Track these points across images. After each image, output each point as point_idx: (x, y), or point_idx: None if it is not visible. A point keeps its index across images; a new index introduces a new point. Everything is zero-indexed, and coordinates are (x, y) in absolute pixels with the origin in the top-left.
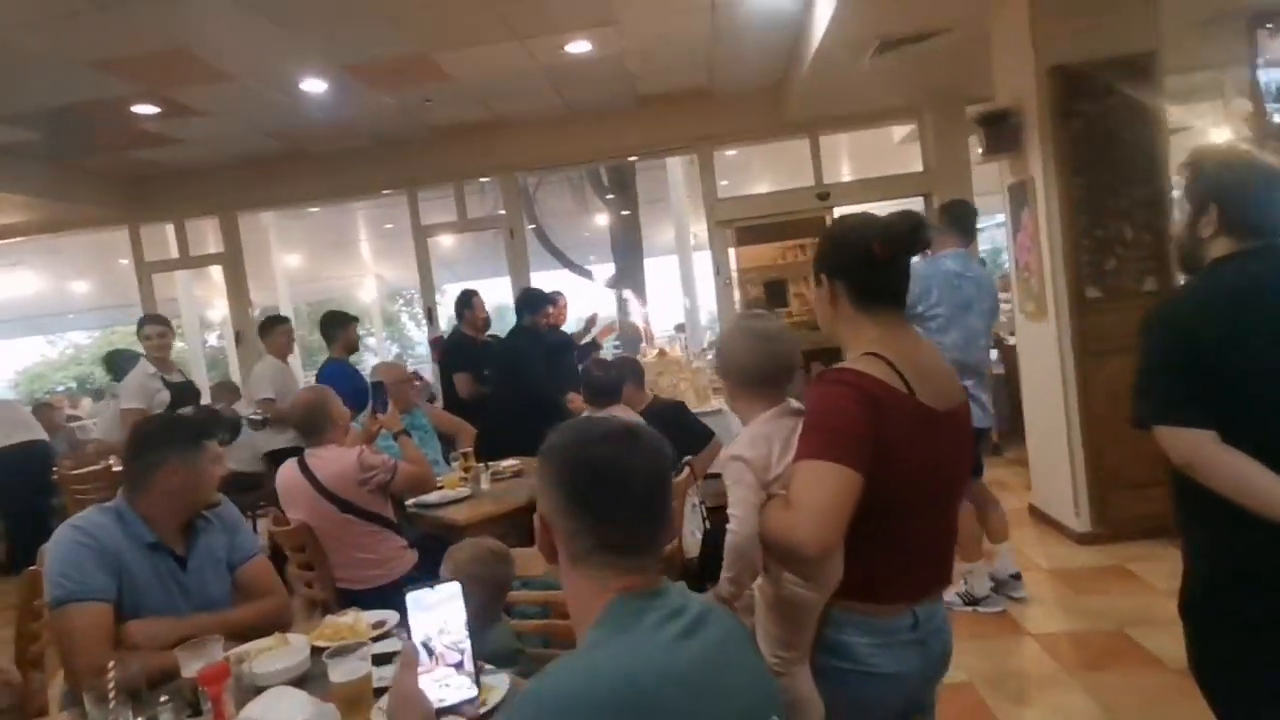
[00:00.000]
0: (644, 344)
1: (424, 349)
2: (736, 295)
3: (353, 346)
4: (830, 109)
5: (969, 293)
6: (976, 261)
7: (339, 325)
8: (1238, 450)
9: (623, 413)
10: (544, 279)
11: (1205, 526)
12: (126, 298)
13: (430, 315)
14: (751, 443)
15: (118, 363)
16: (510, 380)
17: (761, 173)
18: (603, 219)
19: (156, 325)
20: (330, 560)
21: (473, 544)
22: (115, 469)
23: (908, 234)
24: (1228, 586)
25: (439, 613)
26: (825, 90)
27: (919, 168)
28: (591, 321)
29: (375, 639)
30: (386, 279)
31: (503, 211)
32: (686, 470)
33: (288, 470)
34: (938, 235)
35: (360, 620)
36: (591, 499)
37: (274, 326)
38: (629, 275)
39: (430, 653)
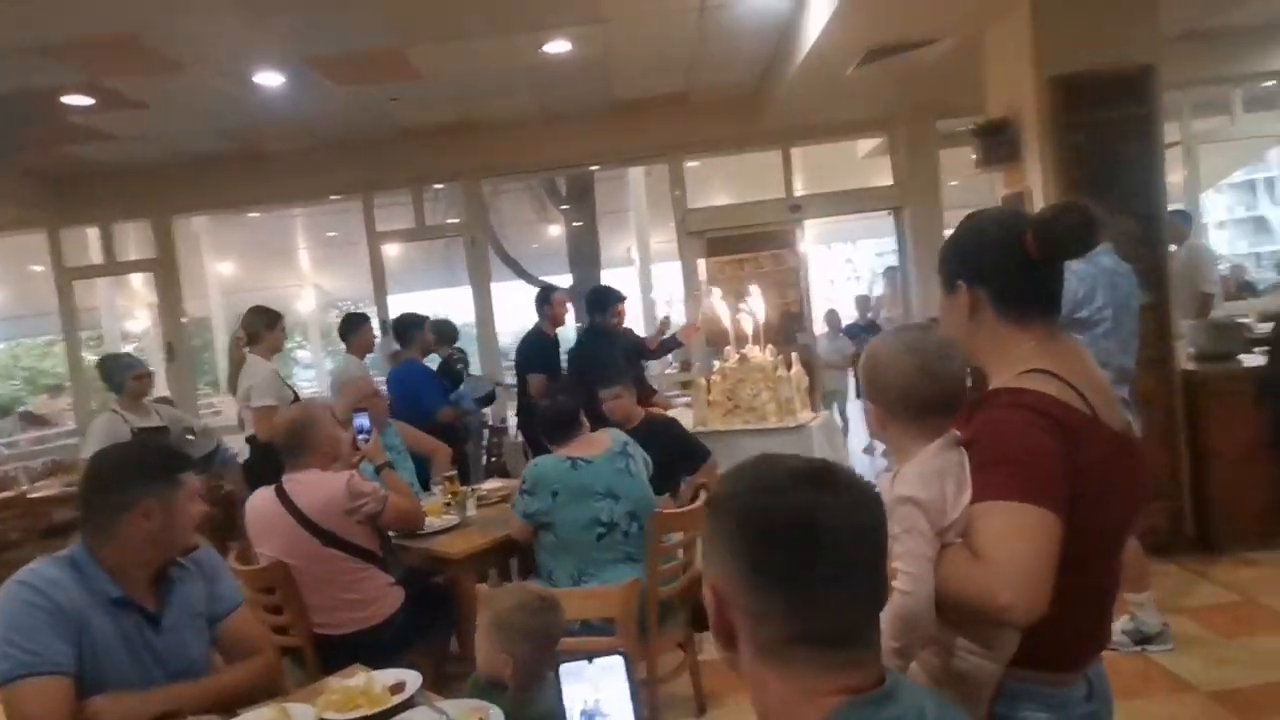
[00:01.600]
0: (729, 346)
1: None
2: (707, 304)
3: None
4: (805, 119)
5: (1126, 290)
6: None
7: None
8: None
9: (586, 446)
10: (498, 290)
11: None
12: (39, 306)
13: (385, 328)
14: (923, 481)
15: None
16: (582, 383)
17: (725, 185)
18: (557, 229)
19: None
20: (307, 602)
21: (518, 589)
22: (35, 495)
23: (1075, 231)
24: None
25: (596, 686)
26: (804, 100)
27: (885, 181)
28: (665, 324)
29: (396, 709)
30: (326, 289)
31: (454, 220)
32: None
33: (262, 498)
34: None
35: (374, 683)
36: (788, 570)
37: (360, 325)
38: (586, 287)
39: None
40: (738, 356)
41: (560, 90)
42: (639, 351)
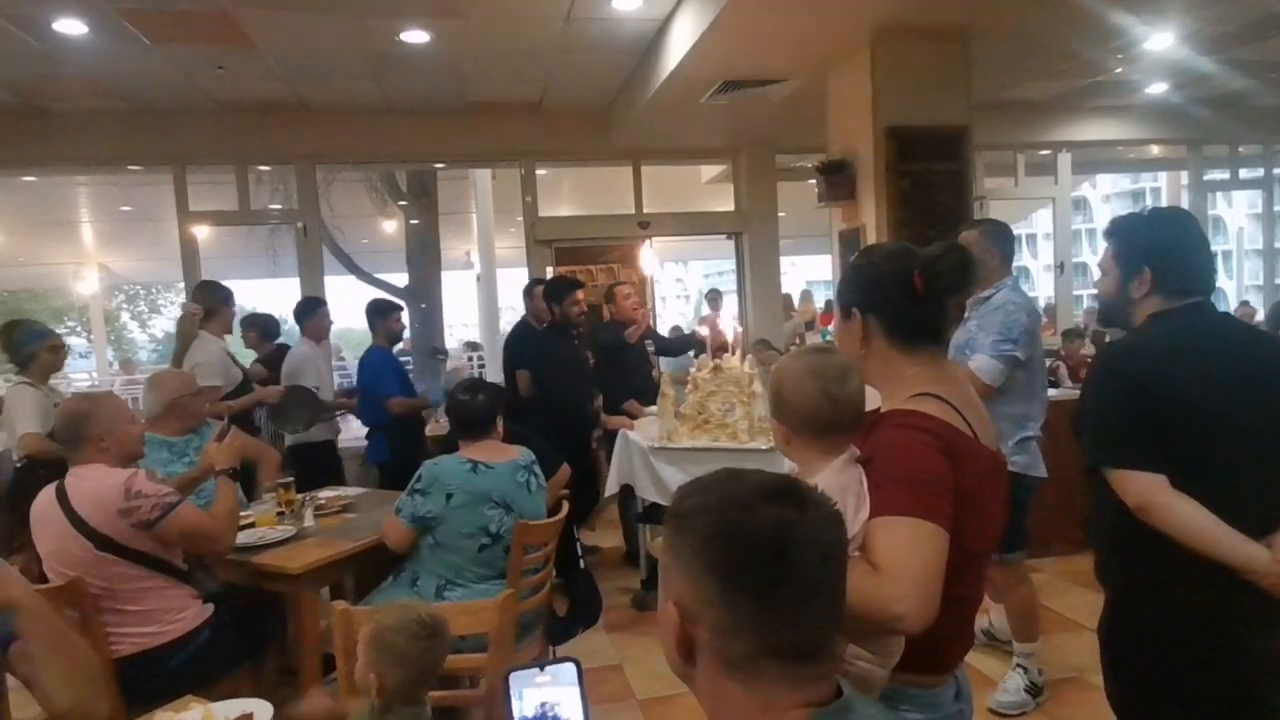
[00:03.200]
0: (704, 354)
1: (149, 355)
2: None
3: (395, 337)
4: (655, 141)
5: (1036, 327)
6: None
7: (380, 314)
8: (1186, 496)
9: (492, 452)
10: (331, 285)
11: (1138, 560)
12: None
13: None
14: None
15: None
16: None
17: (572, 196)
18: (394, 225)
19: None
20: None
21: (404, 609)
22: None
23: (954, 271)
24: (1154, 617)
25: (549, 691)
26: (657, 122)
27: (726, 207)
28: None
29: None
30: (113, 270)
31: (277, 206)
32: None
33: (43, 496)
34: (989, 265)
35: (214, 716)
36: (759, 585)
37: (315, 309)
38: (425, 287)
39: None
40: (712, 366)
41: (411, 82)
42: (616, 348)
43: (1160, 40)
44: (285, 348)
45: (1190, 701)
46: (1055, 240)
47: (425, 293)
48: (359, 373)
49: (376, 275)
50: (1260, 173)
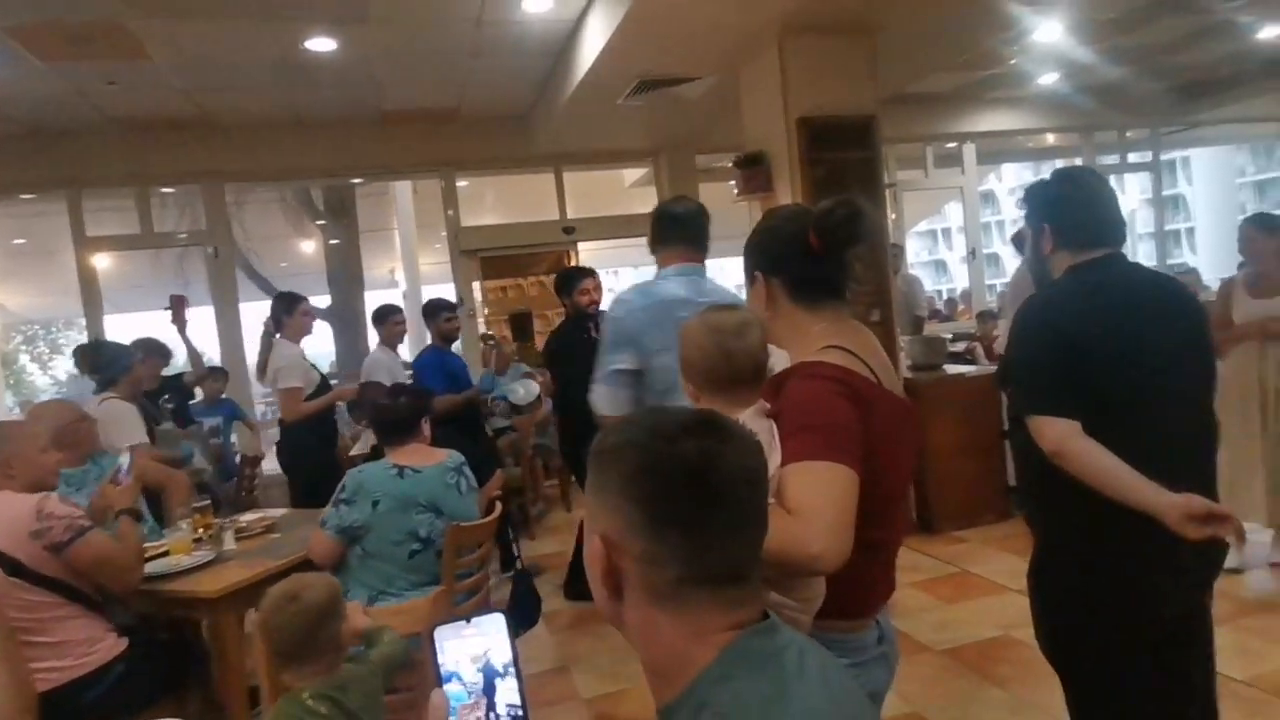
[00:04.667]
0: None
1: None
2: (481, 327)
3: (451, 336)
4: (576, 145)
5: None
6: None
7: (431, 314)
8: (1097, 442)
9: (419, 455)
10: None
11: (1061, 506)
12: None
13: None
14: None
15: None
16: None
17: (496, 206)
18: (312, 246)
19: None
20: None
21: (280, 584)
22: None
23: (843, 224)
24: (1077, 560)
25: (479, 641)
26: (576, 125)
27: (650, 209)
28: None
29: None
30: (9, 309)
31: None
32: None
33: None
34: (662, 249)
35: None
36: (686, 513)
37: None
38: (347, 308)
39: (471, 693)
40: None
41: (322, 93)
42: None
43: (1049, 30)
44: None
45: (1112, 639)
46: (966, 229)
47: (348, 314)
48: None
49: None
50: (1149, 156)
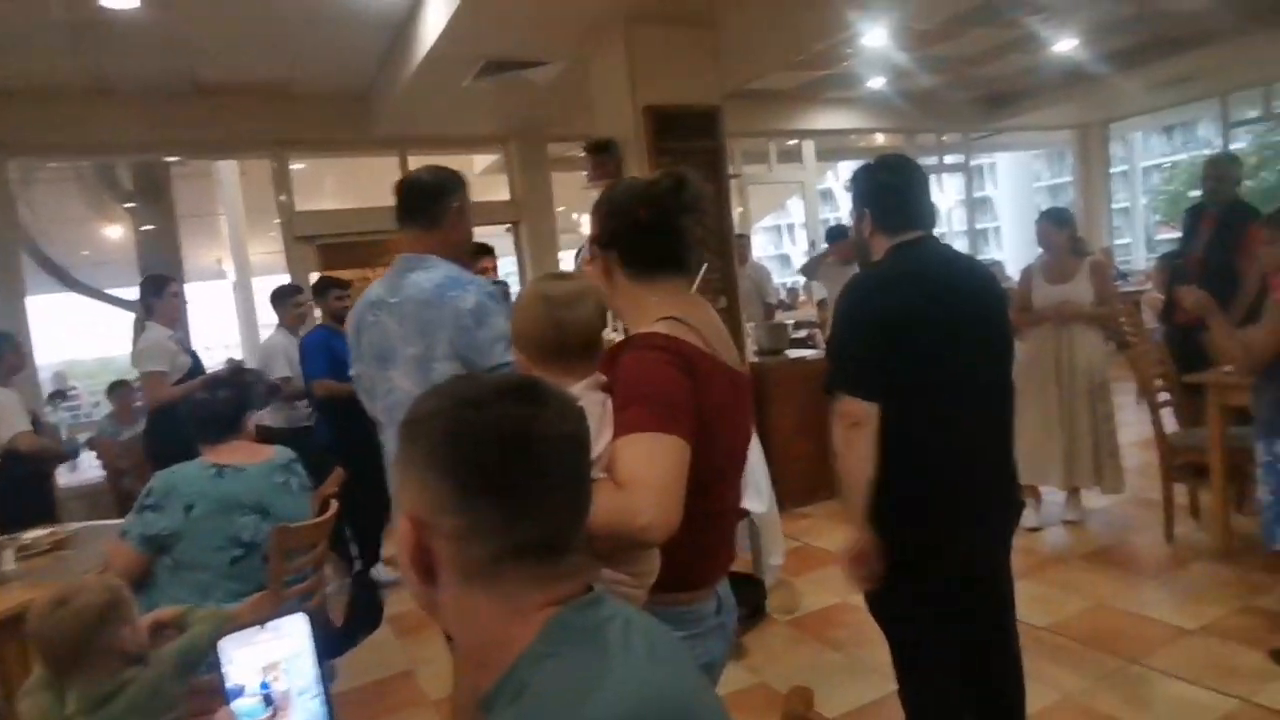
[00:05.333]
0: None
1: None
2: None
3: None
4: (422, 128)
5: (390, 332)
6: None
7: (321, 292)
8: (874, 446)
9: (241, 453)
10: (41, 304)
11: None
12: None
13: None
14: None
15: None
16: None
17: (338, 193)
18: (120, 232)
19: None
20: None
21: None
22: None
23: (669, 194)
24: (895, 524)
25: (272, 650)
26: (421, 107)
27: (503, 197)
28: None
29: None
30: None
31: None
32: (334, 506)
33: None
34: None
35: None
36: (501, 481)
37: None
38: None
39: (269, 701)
40: None
41: (126, 59)
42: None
43: (876, 36)
44: None
45: (925, 595)
46: (807, 222)
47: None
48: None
49: (104, 290)
50: (961, 158)
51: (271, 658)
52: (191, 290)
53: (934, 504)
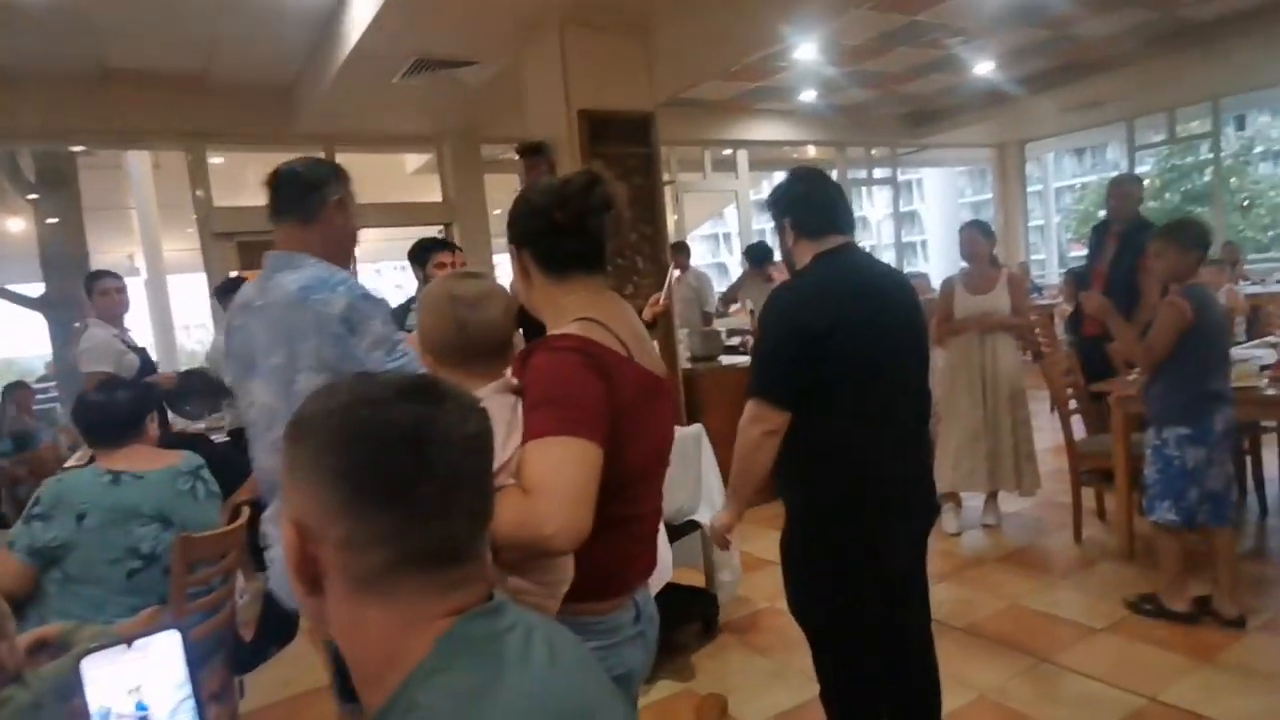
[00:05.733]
0: None
1: None
2: None
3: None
4: (350, 124)
5: (254, 338)
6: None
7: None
8: (773, 449)
9: (141, 459)
10: None
11: (804, 475)
12: None
13: None
14: None
15: None
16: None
17: (260, 187)
18: (21, 224)
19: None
20: None
21: None
22: None
23: (581, 193)
24: (818, 525)
25: (137, 673)
26: (349, 103)
27: (435, 198)
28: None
29: None
30: None
31: None
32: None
33: None
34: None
35: None
36: (394, 486)
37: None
38: (69, 298)
39: None
40: None
41: (26, 40)
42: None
43: (807, 50)
44: None
45: (845, 596)
46: (740, 230)
47: (69, 304)
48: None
49: (3, 286)
50: (890, 173)
51: (138, 679)
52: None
53: (862, 505)
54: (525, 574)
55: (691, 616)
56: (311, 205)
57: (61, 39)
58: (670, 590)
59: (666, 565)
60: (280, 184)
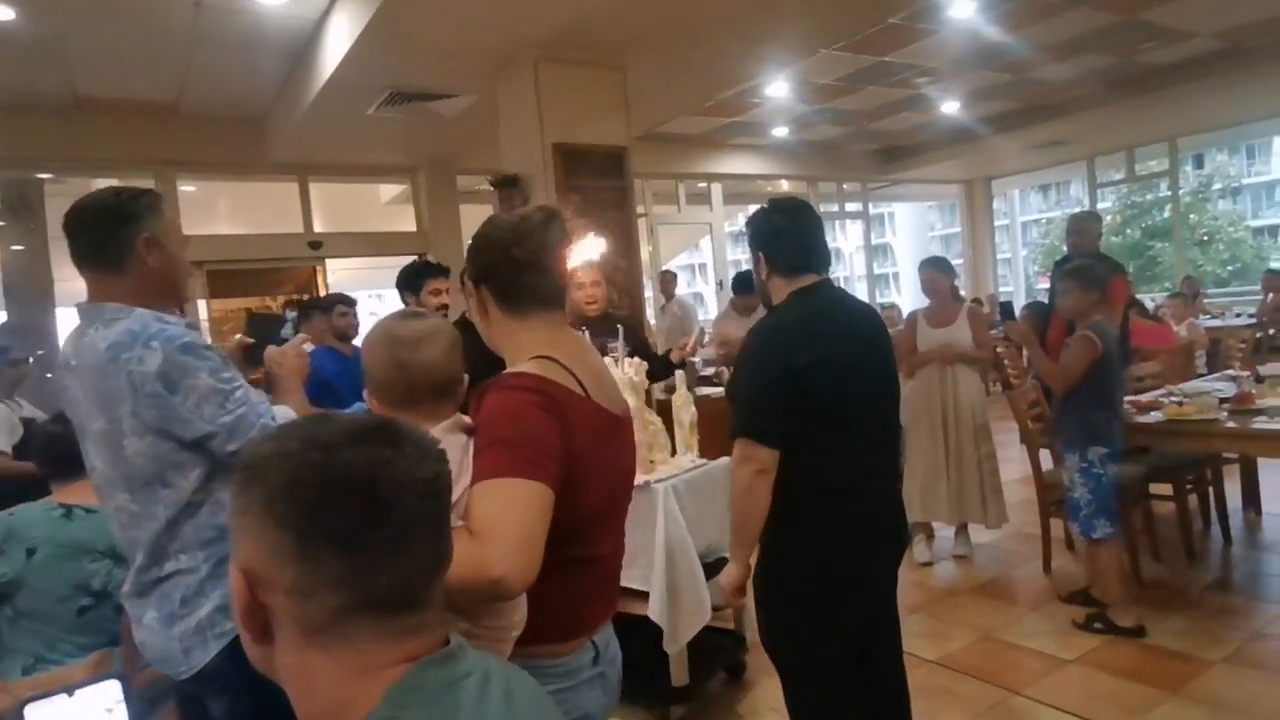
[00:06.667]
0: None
1: None
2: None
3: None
4: (324, 155)
5: (77, 401)
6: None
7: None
8: (768, 489)
9: (80, 493)
10: None
11: (778, 509)
12: None
13: None
14: None
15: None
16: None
17: (234, 218)
18: None
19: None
20: None
21: None
22: None
23: (539, 228)
24: (792, 558)
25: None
26: (323, 133)
27: (410, 228)
28: (700, 337)
29: None
30: None
31: None
32: None
33: None
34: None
35: None
36: (345, 532)
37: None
38: (32, 328)
39: None
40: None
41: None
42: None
43: (778, 88)
44: None
45: (818, 630)
46: (714, 261)
47: (33, 334)
48: None
49: None
50: (860, 206)
51: None
52: (64, 316)
53: (840, 538)
54: (474, 619)
55: (716, 664)
56: (115, 249)
57: (34, 68)
58: (699, 634)
59: (705, 607)
60: (75, 227)
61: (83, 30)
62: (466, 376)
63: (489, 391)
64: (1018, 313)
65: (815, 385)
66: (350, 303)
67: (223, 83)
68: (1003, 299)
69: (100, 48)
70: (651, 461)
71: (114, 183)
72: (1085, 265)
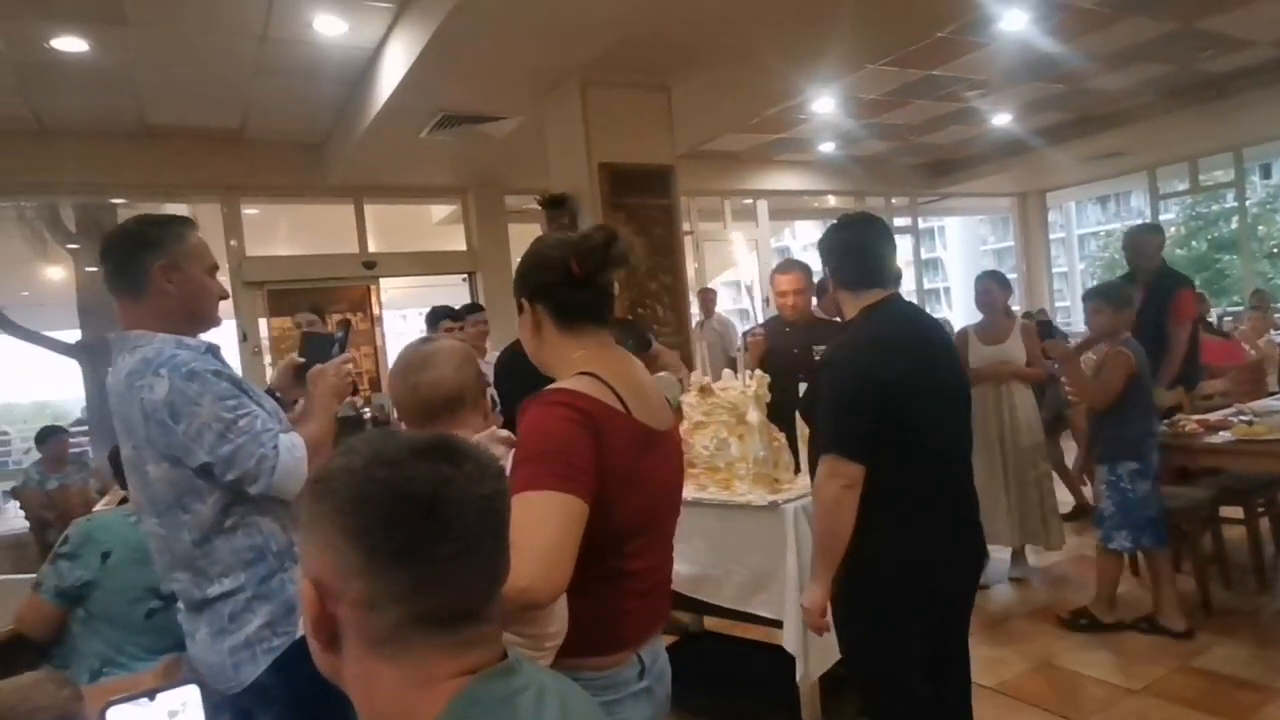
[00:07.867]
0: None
1: None
2: (268, 363)
3: None
4: (378, 177)
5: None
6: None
7: None
8: (854, 506)
9: None
10: None
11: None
12: None
13: None
14: None
15: None
16: None
17: (291, 238)
18: (62, 273)
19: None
20: None
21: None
22: None
23: (599, 248)
24: (868, 584)
25: None
26: (377, 157)
27: (459, 247)
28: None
29: None
30: None
31: None
32: None
33: None
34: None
35: None
36: (409, 547)
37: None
38: (106, 345)
39: None
40: (698, 388)
41: (73, 99)
42: None
43: (824, 104)
44: None
45: (896, 649)
46: (760, 279)
47: (105, 350)
48: None
49: (42, 332)
50: (909, 221)
51: None
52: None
53: (926, 556)
54: (510, 626)
55: (775, 679)
56: (133, 276)
57: (107, 99)
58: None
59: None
60: (102, 255)
61: (152, 62)
62: (492, 391)
63: (529, 407)
64: (1083, 328)
65: (899, 399)
66: (457, 316)
67: (284, 110)
68: (1043, 318)
69: (169, 79)
70: (776, 480)
71: (183, 208)
72: (1114, 284)
